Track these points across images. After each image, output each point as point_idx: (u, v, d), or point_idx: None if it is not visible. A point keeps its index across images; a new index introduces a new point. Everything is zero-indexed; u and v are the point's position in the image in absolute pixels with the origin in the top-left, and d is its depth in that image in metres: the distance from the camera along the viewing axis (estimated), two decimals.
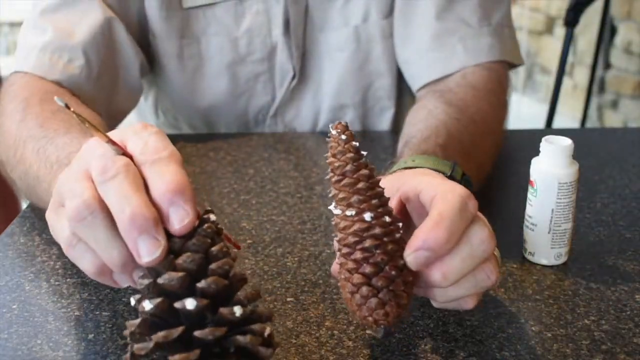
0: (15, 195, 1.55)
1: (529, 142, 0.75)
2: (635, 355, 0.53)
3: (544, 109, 2.39)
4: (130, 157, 0.47)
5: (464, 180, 0.65)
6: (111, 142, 0.47)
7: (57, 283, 0.63)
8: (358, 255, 0.49)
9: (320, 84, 0.99)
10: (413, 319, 0.57)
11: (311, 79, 0.99)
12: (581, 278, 0.64)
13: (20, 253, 0.68)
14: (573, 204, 0.64)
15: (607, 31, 2.68)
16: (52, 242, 0.70)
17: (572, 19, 2.13)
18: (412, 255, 0.49)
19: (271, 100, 1.00)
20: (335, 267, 0.53)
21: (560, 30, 2.99)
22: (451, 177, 0.63)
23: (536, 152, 0.65)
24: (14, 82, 0.82)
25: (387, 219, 0.50)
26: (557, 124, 2.44)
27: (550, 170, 0.63)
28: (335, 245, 0.52)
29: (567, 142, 0.64)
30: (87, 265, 0.48)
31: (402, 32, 0.94)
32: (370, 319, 0.49)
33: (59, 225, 0.50)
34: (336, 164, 0.50)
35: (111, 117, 0.89)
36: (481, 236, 0.50)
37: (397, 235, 0.50)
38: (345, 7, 0.95)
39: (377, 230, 0.49)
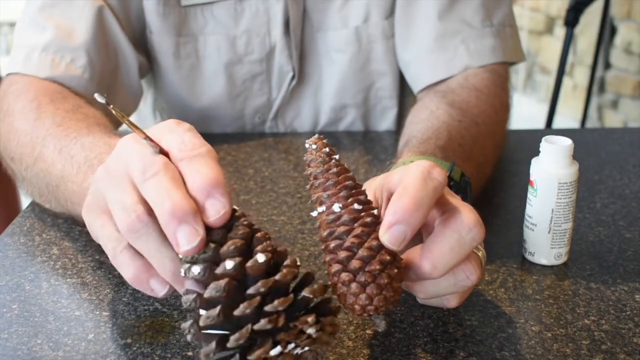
0: (16, 195, 1.55)
1: (529, 142, 0.75)
2: (635, 355, 0.53)
3: (544, 109, 2.39)
4: (167, 155, 0.48)
5: (463, 181, 0.65)
6: (148, 138, 0.48)
7: (57, 283, 0.63)
8: (332, 245, 0.50)
9: (319, 84, 0.99)
10: (413, 319, 0.57)
11: (310, 79, 0.99)
12: (581, 278, 0.64)
13: (20, 253, 0.68)
14: (573, 204, 0.64)
15: (607, 31, 2.68)
16: (52, 242, 0.70)
17: (572, 19, 2.13)
18: (386, 234, 0.48)
19: (267, 101, 0.99)
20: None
21: (560, 30, 2.99)
22: (449, 178, 0.63)
23: (536, 152, 0.65)
24: (16, 82, 0.82)
25: (357, 205, 0.50)
26: (557, 124, 2.43)
27: (550, 170, 0.63)
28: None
29: (567, 142, 0.64)
30: (128, 272, 0.50)
31: (403, 33, 0.94)
32: (357, 306, 0.49)
33: (104, 232, 0.51)
34: (309, 171, 0.53)
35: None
36: (469, 223, 0.49)
37: (369, 219, 0.50)
38: (344, 7, 0.94)
39: (346, 217, 0.50)
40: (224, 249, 0.45)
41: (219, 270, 0.44)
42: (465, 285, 0.51)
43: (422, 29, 0.91)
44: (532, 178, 0.65)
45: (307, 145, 0.54)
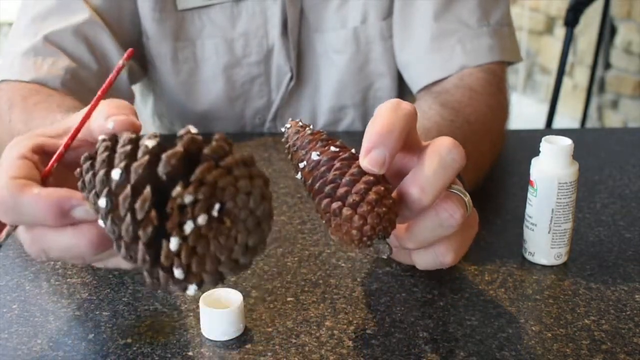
0: None
1: (529, 142, 0.75)
2: (635, 355, 0.53)
3: (544, 109, 2.39)
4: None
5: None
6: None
7: (57, 283, 0.63)
8: (317, 186, 0.51)
9: (317, 85, 0.99)
10: (413, 318, 0.57)
11: (308, 80, 0.99)
12: (581, 278, 0.64)
13: (20, 253, 0.68)
14: (573, 204, 0.64)
15: (607, 31, 2.68)
16: None
17: (572, 19, 2.13)
18: (366, 159, 0.50)
19: (267, 102, 0.99)
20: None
21: (560, 30, 2.99)
22: None
23: (536, 152, 0.65)
24: (4, 91, 0.82)
25: (334, 148, 0.52)
26: (557, 124, 2.44)
27: (550, 170, 0.63)
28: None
29: (567, 142, 0.64)
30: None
31: (401, 35, 0.94)
32: (354, 232, 0.49)
33: None
34: (287, 145, 0.56)
35: None
36: (447, 145, 0.52)
37: (346, 154, 0.52)
38: (341, 8, 0.94)
39: (324, 159, 0.52)
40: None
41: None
42: (450, 224, 0.52)
43: (419, 30, 0.91)
44: (532, 178, 0.65)
45: (283, 129, 0.57)
